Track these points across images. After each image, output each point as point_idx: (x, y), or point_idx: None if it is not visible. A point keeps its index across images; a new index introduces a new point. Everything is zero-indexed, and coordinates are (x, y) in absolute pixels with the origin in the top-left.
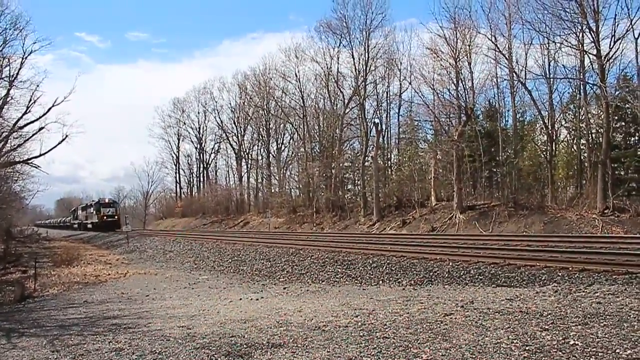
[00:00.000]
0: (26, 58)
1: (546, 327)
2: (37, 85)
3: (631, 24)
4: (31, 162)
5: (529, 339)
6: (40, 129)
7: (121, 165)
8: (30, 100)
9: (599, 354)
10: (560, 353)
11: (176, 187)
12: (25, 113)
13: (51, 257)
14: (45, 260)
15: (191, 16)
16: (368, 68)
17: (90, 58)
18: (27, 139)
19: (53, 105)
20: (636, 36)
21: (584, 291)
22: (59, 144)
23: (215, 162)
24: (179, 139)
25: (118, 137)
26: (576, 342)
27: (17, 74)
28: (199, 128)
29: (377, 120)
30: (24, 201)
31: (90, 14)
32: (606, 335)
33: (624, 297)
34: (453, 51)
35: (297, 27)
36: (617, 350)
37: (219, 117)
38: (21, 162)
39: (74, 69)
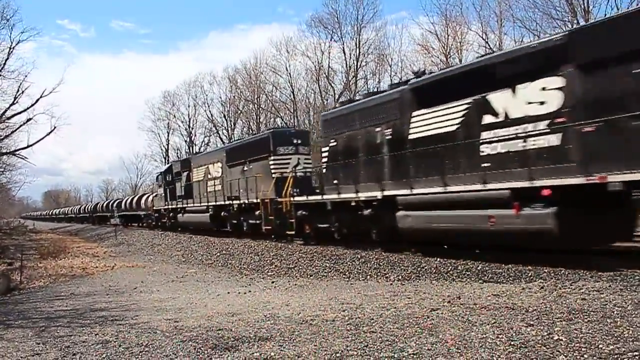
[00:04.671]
0: (13, 48)
1: (531, 322)
2: (25, 76)
3: None
4: (19, 154)
5: (514, 334)
6: (28, 120)
7: (105, 158)
8: (18, 90)
9: (583, 349)
10: (544, 348)
11: None
12: (12, 104)
13: (38, 249)
14: (32, 252)
15: (176, 6)
16: (359, 63)
17: (74, 47)
18: (15, 130)
19: (41, 97)
20: None
21: (569, 287)
22: (47, 135)
23: None
24: (168, 132)
25: (101, 129)
26: (560, 338)
27: (4, 64)
28: (189, 121)
29: None
30: (11, 193)
31: (71, 0)
32: (590, 331)
33: (608, 294)
34: (444, 47)
35: (286, 20)
36: (600, 346)
37: (209, 111)
38: (8, 154)
39: (56, 58)
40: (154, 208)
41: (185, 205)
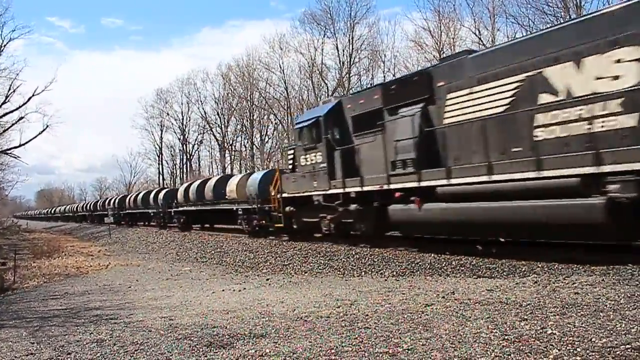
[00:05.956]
0: (5, 46)
1: (525, 317)
2: (17, 74)
3: None
4: (11, 152)
5: (508, 329)
6: (20, 118)
7: (97, 156)
8: (10, 89)
9: (576, 342)
10: (538, 342)
11: (159, 178)
12: (4, 102)
13: (32, 248)
14: (26, 252)
15: (168, 1)
16: (352, 60)
17: (64, 44)
18: (7, 129)
19: (33, 95)
20: None
21: (562, 282)
22: (39, 134)
23: (199, 154)
24: (162, 130)
25: (93, 126)
26: (554, 332)
27: None
28: (182, 119)
29: None
30: (3, 192)
31: None
32: (583, 325)
33: (601, 288)
34: (437, 44)
35: (278, 15)
36: (593, 339)
37: (203, 108)
38: (0, 152)
39: (46, 55)
40: (282, 195)
41: (438, 181)
